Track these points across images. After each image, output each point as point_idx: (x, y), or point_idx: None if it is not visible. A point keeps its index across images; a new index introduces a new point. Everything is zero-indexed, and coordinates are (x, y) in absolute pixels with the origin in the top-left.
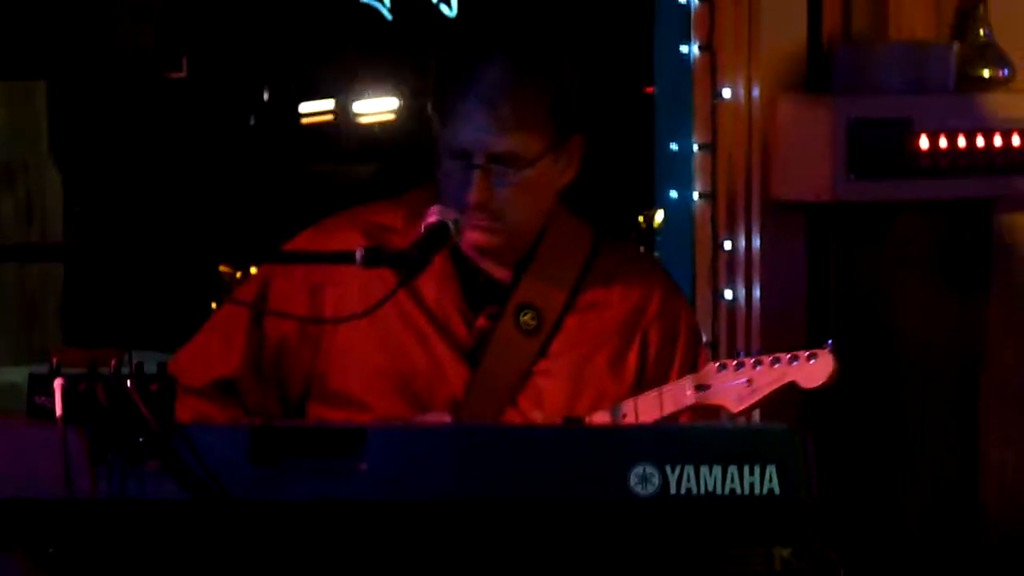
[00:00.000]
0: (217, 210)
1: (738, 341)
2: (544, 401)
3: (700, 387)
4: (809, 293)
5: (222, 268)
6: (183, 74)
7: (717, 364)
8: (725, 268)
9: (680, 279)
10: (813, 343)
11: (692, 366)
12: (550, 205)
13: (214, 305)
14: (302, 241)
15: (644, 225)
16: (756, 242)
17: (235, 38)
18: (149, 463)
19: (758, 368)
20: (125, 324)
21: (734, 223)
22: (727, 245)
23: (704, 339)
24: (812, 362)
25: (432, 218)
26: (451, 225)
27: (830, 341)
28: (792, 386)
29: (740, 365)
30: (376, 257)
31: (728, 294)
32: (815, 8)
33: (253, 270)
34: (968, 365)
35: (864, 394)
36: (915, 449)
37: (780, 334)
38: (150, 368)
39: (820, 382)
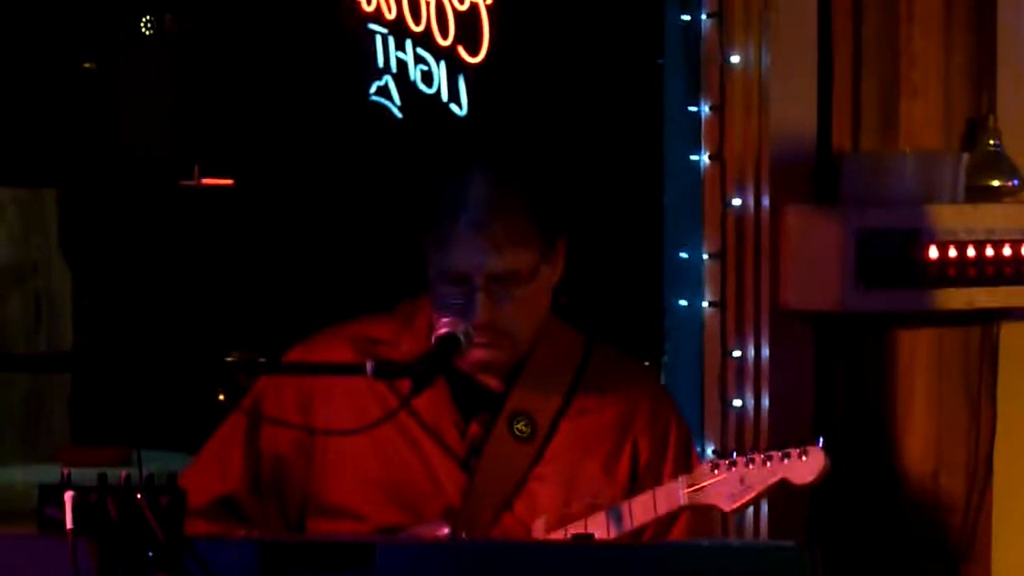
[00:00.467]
0: (225, 306)
1: (747, 449)
2: (539, 506)
3: (693, 487)
4: (816, 401)
5: (230, 360)
6: (195, 182)
7: (710, 464)
8: (734, 376)
9: (689, 387)
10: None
11: (685, 468)
12: (547, 310)
13: (222, 397)
14: (294, 355)
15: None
16: (765, 351)
17: (244, 142)
18: None
19: (750, 466)
20: (134, 422)
21: (743, 331)
22: (736, 353)
23: (712, 447)
24: (804, 459)
25: (442, 330)
26: (462, 337)
27: (820, 438)
28: (784, 483)
29: (732, 464)
30: (387, 369)
31: (737, 402)
32: (824, 119)
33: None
34: (976, 474)
35: (870, 504)
36: (925, 561)
37: (788, 442)
38: (160, 469)
39: (811, 479)
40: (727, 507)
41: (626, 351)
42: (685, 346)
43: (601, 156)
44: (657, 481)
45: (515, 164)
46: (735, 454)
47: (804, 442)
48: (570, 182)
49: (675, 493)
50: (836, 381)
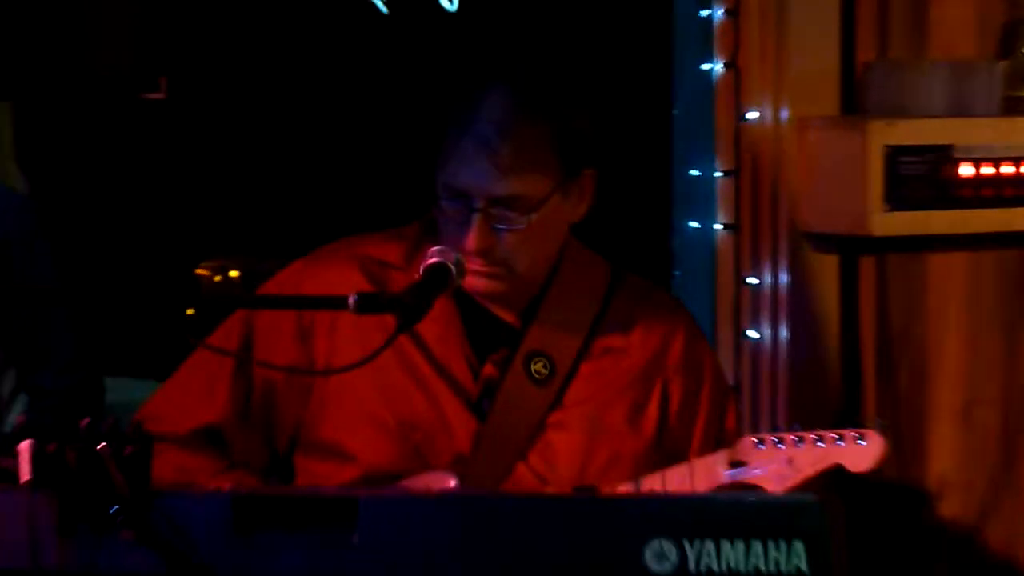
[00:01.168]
0: (192, 210)
1: (763, 385)
2: (557, 457)
3: (735, 464)
4: (842, 333)
5: (200, 271)
6: (162, 95)
7: (754, 439)
8: (750, 306)
9: (700, 317)
10: (847, 387)
11: (720, 420)
12: (560, 244)
13: (191, 312)
14: (292, 273)
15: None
16: (783, 277)
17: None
18: (123, 533)
19: (800, 446)
20: (94, 344)
21: (759, 257)
22: (752, 280)
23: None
24: (860, 444)
25: (431, 259)
26: (452, 267)
27: (879, 421)
28: (837, 468)
29: (780, 441)
30: (370, 304)
31: (753, 334)
32: (848, 24)
33: (233, 273)
34: (1012, 408)
35: (900, 452)
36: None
37: (809, 378)
38: (123, 399)
39: (868, 466)
40: (773, 490)
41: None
42: (696, 272)
43: (605, 65)
44: (689, 429)
45: (538, 83)
46: (781, 429)
47: (859, 424)
48: (598, 108)
49: (715, 469)
50: (861, 310)
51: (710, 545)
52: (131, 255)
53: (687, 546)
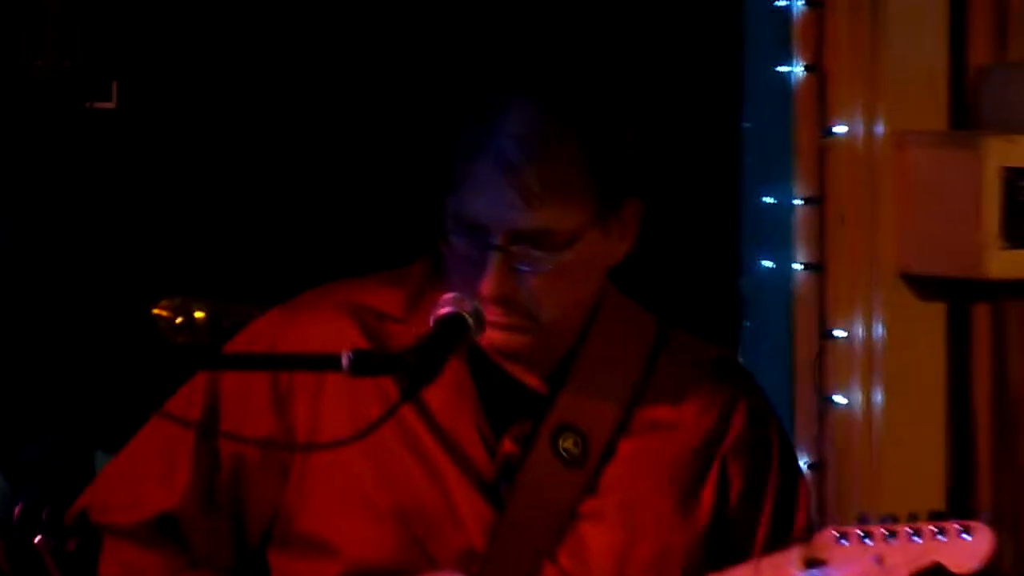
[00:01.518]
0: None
1: (852, 462)
2: (591, 555)
3: (812, 563)
4: (949, 397)
5: (158, 311)
6: (112, 103)
7: (836, 532)
8: (836, 364)
9: (775, 378)
10: (956, 464)
11: (790, 511)
12: (595, 291)
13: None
14: (267, 325)
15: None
16: (878, 329)
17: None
18: None
19: (892, 542)
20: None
21: (850, 304)
22: (839, 333)
23: (807, 460)
24: (965, 538)
25: (444, 309)
26: (469, 319)
27: (987, 514)
28: (937, 568)
29: (867, 536)
30: (368, 364)
31: (840, 399)
32: (958, 20)
33: (199, 314)
34: None
35: (1020, 545)
36: None
37: (910, 453)
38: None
39: (975, 566)
40: None
41: (692, 332)
42: (770, 322)
43: (658, 68)
44: (753, 523)
45: (572, 90)
46: (868, 519)
47: (968, 513)
48: (647, 121)
49: (787, 571)
50: (973, 369)
51: None
52: (75, 291)
53: None
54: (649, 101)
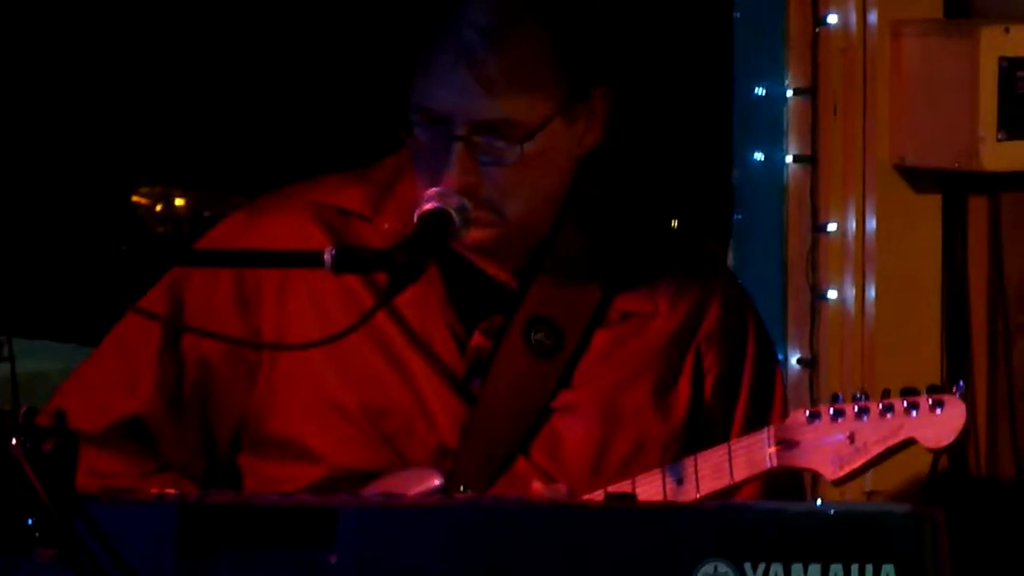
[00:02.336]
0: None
1: (845, 358)
2: (565, 448)
3: (784, 443)
4: (945, 291)
5: (137, 198)
6: None
7: (807, 412)
8: (829, 258)
9: (767, 270)
10: (951, 361)
11: (766, 401)
12: (564, 184)
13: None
14: (232, 227)
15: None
16: (871, 223)
17: None
18: (41, 552)
19: (864, 418)
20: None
21: (842, 197)
22: (831, 227)
23: (798, 355)
24: (937, 412)
25: (428, 204)
26: (454, 215)
27: (960, 383)
28: (910, 444)
29: (839, 413)
30: (352, 261)
31: (832, 293)
32: None
33: (179, 202)
34: None
35: (1018, 441)
36: None
37: (904, 349)
38: (40, 368)
39: (948, 441)
40: (832, 474)
41: (682, 225)
42: (761, 215)
43: None
44: (729, 411)
45: None
46: (840, 398)
47: (936, 389)
48: (615, 7)
49: (759, 451)
50: (969, 263)
51: (777, 569)
52: (49, 181)
53: (748, 571)
54: None
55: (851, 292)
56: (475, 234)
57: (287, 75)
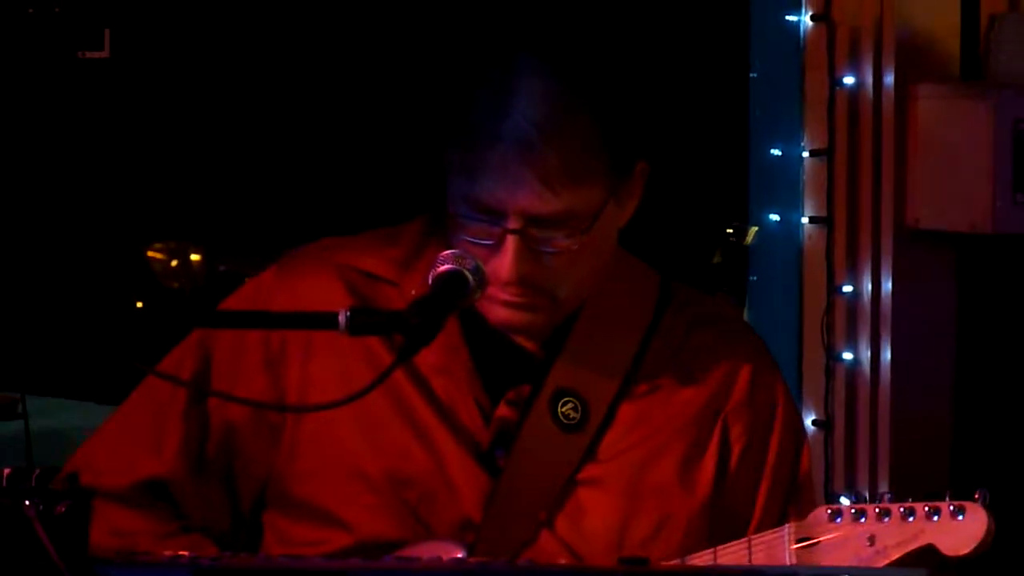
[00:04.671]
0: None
1: (860, 420)
2: (590, 522)
3: (804, 541)
4: (959, 354)
5: (153, 253)
6: (105, 52)
7: (828, 510)
8: (844, 320)
9: (782, 334)
10: (965, 424)
11: (792, 473)
12: (610, 257)
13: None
14: (261, 286)
15: (730, 244)
16: (887, 285)
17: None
18: None
19: (885, 520)
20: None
21: (857, 258)
22: (847, 288)
23: (813, 417)
24: (959, 519)
25: (443, 267)
26: (469, 277)
27: (985, 491)
28: (930, 550)
29: (860, 514)
30: (366, 322)
31: (848, 355)
32: None
33: (195, 257)
34: None
35: None
36: None
37: (918, 411)
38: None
39: (967, 549)
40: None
41: (697, 286)
42: (777, 277)
43: (662, 20)
44: (753, 488)
45: (581, 56)
46: (862, 497)
47: (957, 495)
48: (654, 83)
49: (780, 547)
50: (984, 326)
51: None
52: (71, 239)
53: None
54: (657, 61)
55: (866, 354)
56: (525, 318)
57: (305, 132)
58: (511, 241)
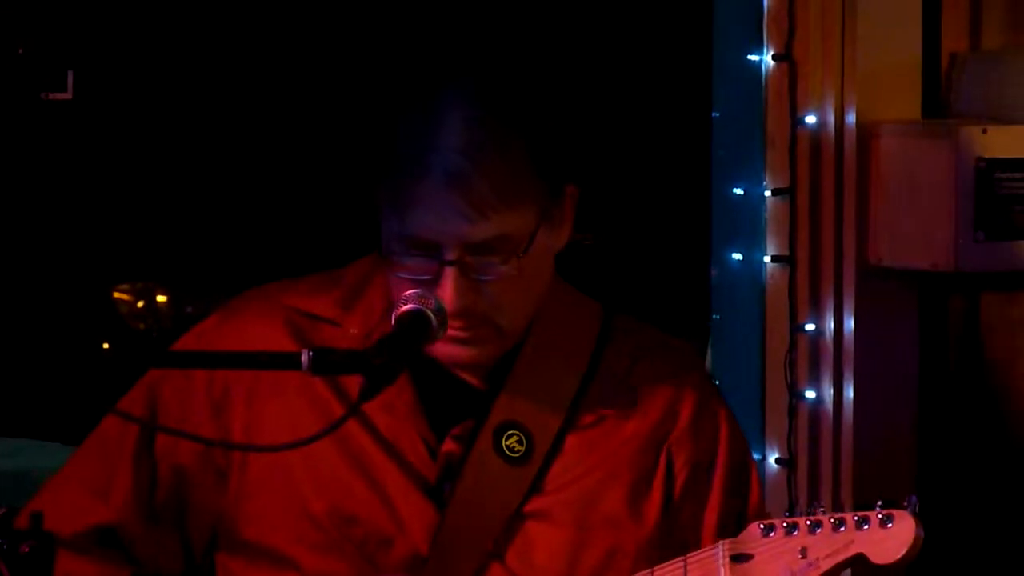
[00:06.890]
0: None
1: (822, 459)
2: (538, 555)
3: (738, 557)
4: (922, 393)
5: (119, 295)
6: (68, 94)
7: (761, 525)
8: (807, 358)
9: (745, 371)
10: (929, 463)
11: (741, 503)
12: (548, 283)
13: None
14: (206, 331)
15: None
16: (849, 323)
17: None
18: None
19: (816, 532)
20: None
21: (820, 297)
22: (809, 327)
23: (776, 455)
24: (887, 528)
25: (406, 306)
26: (432, 316)
27: (913, 498)
28: (861, 560)
29: (792, 527)
30: (329, 363)
31: (810, 394)
32: (932, 10)
33: (161, 298)
34: None
35: (1001, 541)
36: None
37: (881, 450)
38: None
39: (896, 557)
40: None
41: (660, 325)
42: (739, 315)
43: (626, 55)
44: (697, 517)
45: (509, 94)
46: (796, 512)
47: (888, 504)
48: (586, 103)
49: (713, 564)
50: (948, 364)
51: None
52: (37, 281)
53: None
54: (589, 85)
55: (829, 392)
56: (472, 352)
57: (264, 174)
58: (449, 274)
